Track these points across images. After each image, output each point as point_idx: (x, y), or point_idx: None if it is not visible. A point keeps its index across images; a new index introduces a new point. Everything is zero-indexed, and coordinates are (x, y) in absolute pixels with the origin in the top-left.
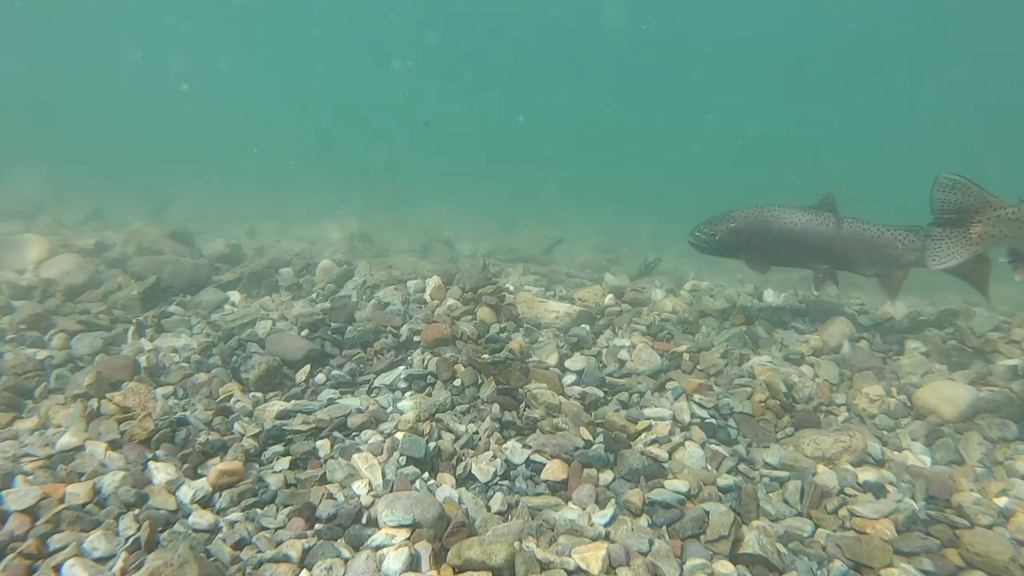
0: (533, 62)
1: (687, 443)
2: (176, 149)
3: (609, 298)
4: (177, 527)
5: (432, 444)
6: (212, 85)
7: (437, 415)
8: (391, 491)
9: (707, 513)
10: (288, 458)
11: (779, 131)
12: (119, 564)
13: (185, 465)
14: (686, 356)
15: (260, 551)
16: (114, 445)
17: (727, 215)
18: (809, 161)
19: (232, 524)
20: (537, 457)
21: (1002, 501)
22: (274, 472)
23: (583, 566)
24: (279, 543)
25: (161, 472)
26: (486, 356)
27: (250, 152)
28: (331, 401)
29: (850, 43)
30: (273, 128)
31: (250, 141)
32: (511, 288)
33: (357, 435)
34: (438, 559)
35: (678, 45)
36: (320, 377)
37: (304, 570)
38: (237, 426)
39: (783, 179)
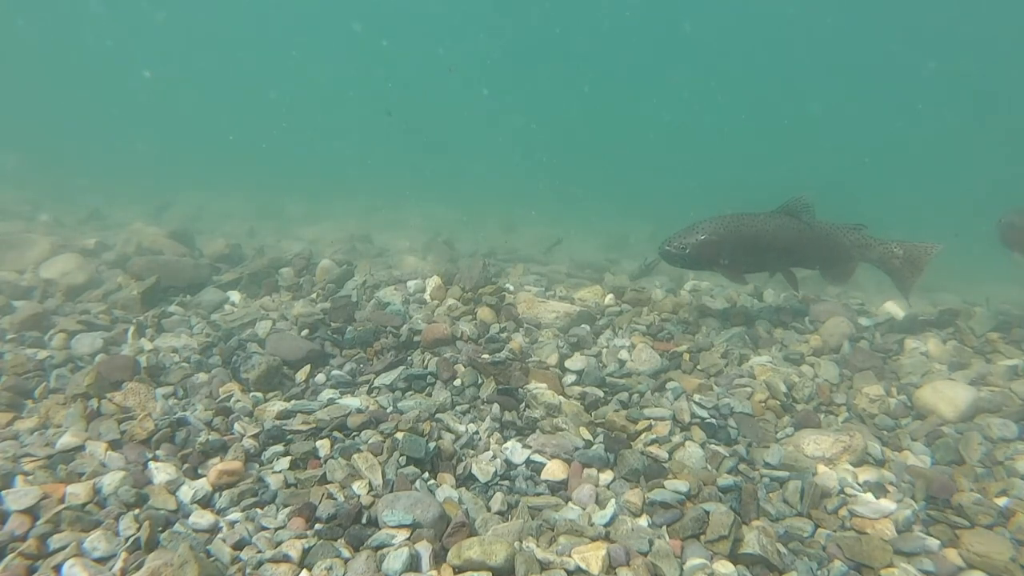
0: (515, 48)
1: (687, 443)
2: (152, 140)
3: (609, 298)
4: (177, 527)
5: (432, 444)
6: (186, 72)
7: (437, 415)
8: (391, 491)
9: (707, 513)
10: (288, 458)
11: (772, 121)
12: (119, 564)
13: (185, 465)
14: (686, 356)
15: (260, 551)
16: (114, 445)
17: (695, 226)
18: (804, 153)
19: (232, 524)
20: (537, 457)
21: (1002, 501)
22: (274, 472)
23: (583, 566)
24: (279, 543)
25: (161, 472)
26: (486, 356)
27: (226, 140)
28: (331, 401)
29: (832, 35)
30: (253, 116)
31: (226, 128)
32: (511, 288)
33: (357, 435)
34: (438, 559)
35: (660, 28)
36: (320, 377)
37: (304, 570)
38: (237, 426)
39: (776, 171)
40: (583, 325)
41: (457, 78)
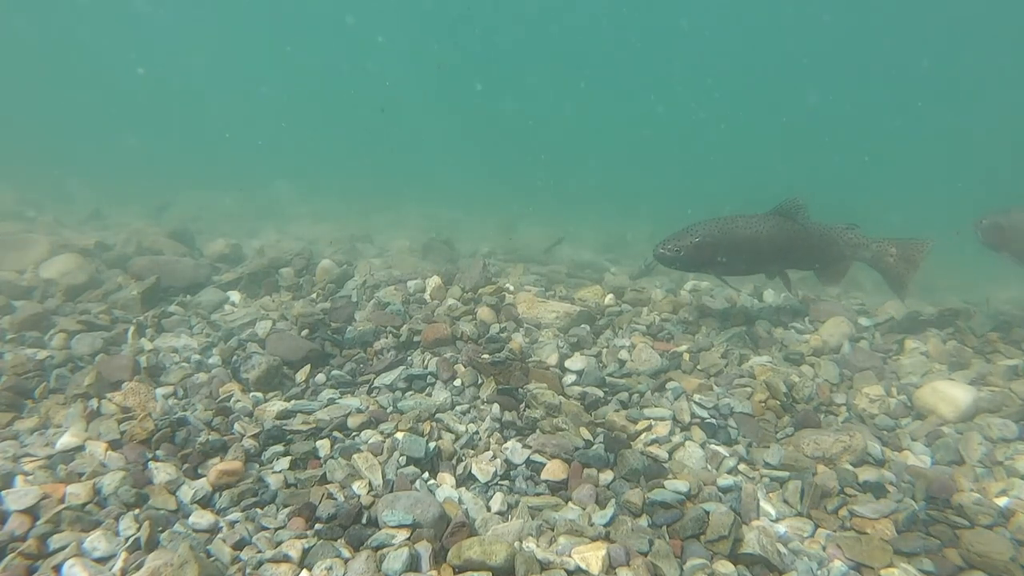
0: (508, 44)
1: (687, 443)
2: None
3: (609, 298)
4: (177, 527)
5: (432, 444)
6: (179, 68)
7: (437, 415)
8: (391, 491)
9: (707, 513)
10: (288, 458)
11: (769, 118)
12: (119, 564)
13: (185, 465)
14: (686, 356)
15: (260, 551)
16: (114, 445)
17: (689, 229)
18: (803, 151)
19: (232, 524)
20: (537, 457)
21: (1002, 501)
22: (274, 472)
23: (583, 566)
24: (279, 543)
25: (161, 472)
26: (486, 356)
27: (222, 137)
28: (331, 401)
29: (830, 32)
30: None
31: (222, 126)
32: (511, 288)
33: (357, 435)
34: (438, 559)
35: (657, 25)
36: (320, 377)
37: (304, 570)
38: (237, 426)
39: (773, 168)
40: (583, 325)
41: (449, 74)
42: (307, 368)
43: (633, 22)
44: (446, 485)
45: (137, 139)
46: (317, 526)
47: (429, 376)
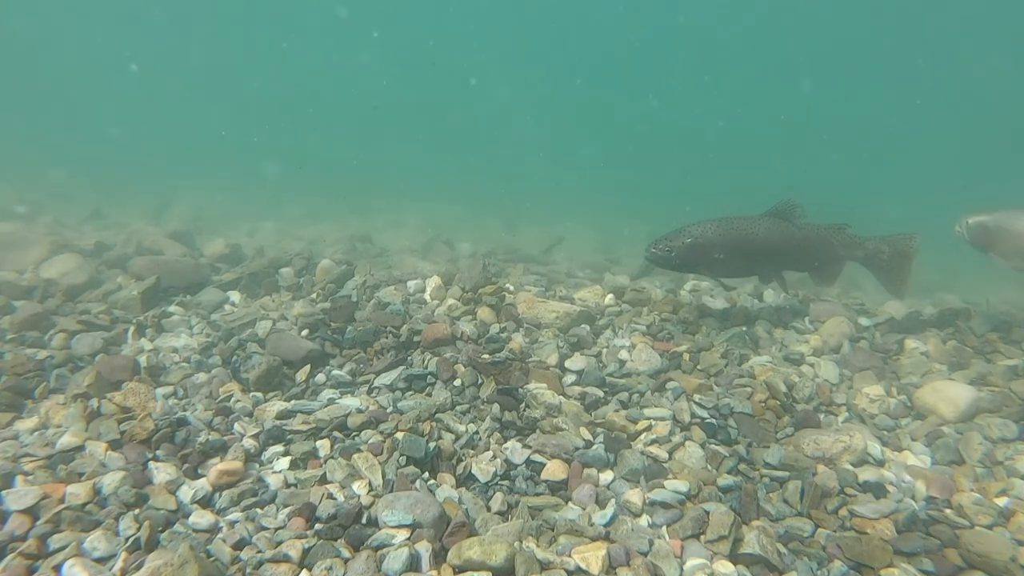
0: (508, 44)
1: (687, 443)
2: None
3: (609, 298)
4: (177, 527)
5: (432, 444)
6: (173, 64)
7: (437, 415)
8: (391, 491)
9: (707, 513)
10: (288, 458)
11: (767, 116)
12: (119, 564)
13: (185, 465)
14: (686, 356)
15: (260, 551)
16: (114, 445)
17: (683, 230)
18: (800, 148)
19: (232, 524)
20: (537, 457)
21: (1002, 501)
22: (274, 472)
23: (583, 566)
24: (279, 543)
25: (161, 472)
26: (486, 356)
27: (218, 135)
28: (331, 401)
29: (829, 31)
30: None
31: (218, 124)
32: (511, 288)
33: (357, 435)
34: (438, 559)
35: (655, 22)
36: (320, 377)
37: (304, 570)
38: (237, 426)
39: (770, 167)
40: (583, 325)
41: (441, 70)
42: (307, 368)
43: (630, 19)
44: (446, 485)
45: (118, 129)
46: (317, 526)
47: (429, 376)
